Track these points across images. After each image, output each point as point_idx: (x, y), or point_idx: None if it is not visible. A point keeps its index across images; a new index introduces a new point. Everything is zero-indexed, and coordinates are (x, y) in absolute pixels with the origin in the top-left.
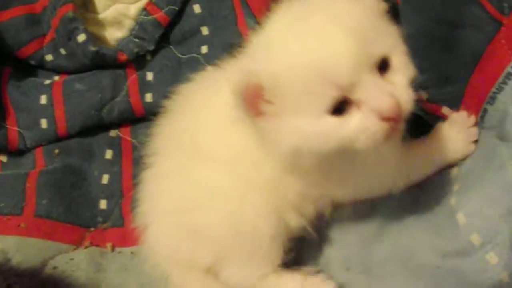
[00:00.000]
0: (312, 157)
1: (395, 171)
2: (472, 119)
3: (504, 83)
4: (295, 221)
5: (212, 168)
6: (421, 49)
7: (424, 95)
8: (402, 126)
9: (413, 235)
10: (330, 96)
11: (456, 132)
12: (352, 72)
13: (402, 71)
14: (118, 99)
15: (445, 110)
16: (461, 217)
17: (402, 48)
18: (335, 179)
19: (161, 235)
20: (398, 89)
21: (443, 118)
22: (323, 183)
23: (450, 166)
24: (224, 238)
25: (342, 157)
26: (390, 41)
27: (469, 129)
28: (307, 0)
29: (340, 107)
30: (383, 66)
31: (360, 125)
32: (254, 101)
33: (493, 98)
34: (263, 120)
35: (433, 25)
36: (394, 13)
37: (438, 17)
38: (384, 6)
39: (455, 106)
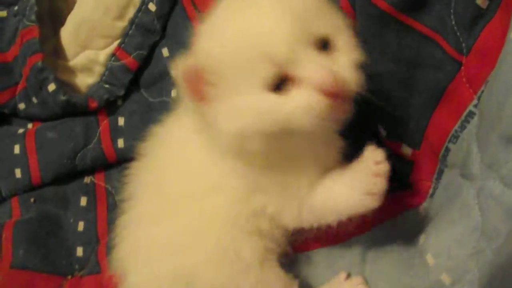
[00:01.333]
0: (257, 138)
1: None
2: (380, 154)
3: (467, 121)
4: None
5: (186, 210)
6: (380, 86)
7: (383, 132)
8: (347, 105)
9: (386, 273)
10: (269, 73)
11: (354, 180)
12: (289, 48)
13: (347, 53)
14: (90, 146)
15: (405, 148)
16: (429, 258)
17: (348, 32)
18: (283, 179)
19: (144, 284)
20: (341, 67)
21: (403, 157)
22: (273, 185)
23: (419, 203)
24: (215, 277)
25: (288, 141)
26: (334, 23)
27: (373, 178)
28: None
29: (280, 84)
30: (325, 46)
31: (301, 102)
32: (196, 84)
33: (456, 137)
34: (207, 104)
35: (392, 64)
36: None
37: (396, 57)
38: None
39: (415, 144)
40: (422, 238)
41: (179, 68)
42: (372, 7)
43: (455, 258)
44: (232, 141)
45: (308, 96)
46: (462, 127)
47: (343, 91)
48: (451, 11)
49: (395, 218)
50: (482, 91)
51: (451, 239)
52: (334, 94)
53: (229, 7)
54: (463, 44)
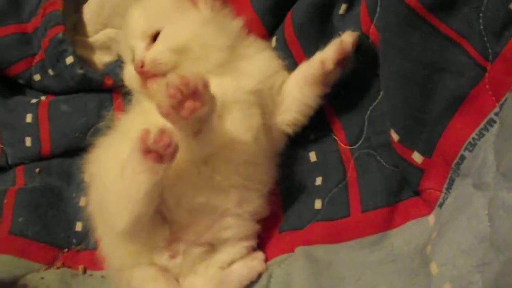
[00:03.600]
0: None
1: None
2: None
3: (486, 129)
4: None
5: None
6: (397, 89)
7: (395, 136)
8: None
9: (388, 280)
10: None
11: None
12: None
13: (163, 41)
14: (103, 123)
15: (415, 156)
16: (433, 267)
17: (176, 24)
18: None
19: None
20: (151, 53)
21: (413, 164)
22: None
23: (428, 212)
24: None
25: None
26: (163, 20)
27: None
28: None
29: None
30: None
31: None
32: None
33: (472, 145)
34: None
35: (413, 66)
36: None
37: (418, 59)
38: None
39: (427, 152)
40: (428, 247)
41: None
42: (399, 3)
43: (460, 268)
44: None
45: (130, 69)
46: (480, 135)
47: (144, 67)
48: (480, 15)
49: (402, 226)
50: (506, 99)
51: (457, 249)
52: (138, 69)
53: None
54: (490, 50)
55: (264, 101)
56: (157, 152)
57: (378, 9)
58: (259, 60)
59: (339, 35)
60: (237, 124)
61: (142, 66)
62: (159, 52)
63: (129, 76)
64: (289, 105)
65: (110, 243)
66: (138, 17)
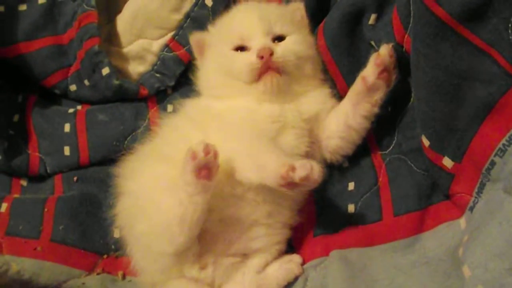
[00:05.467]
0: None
1: None
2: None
3: None
4: None
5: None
6: (428, 97)
7: (426, 142)
8: (278, 75)
9: (421, 283)
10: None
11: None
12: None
13: (291, 45)
14: (139, 130)
15: (446, 161)
16: (466, 270)
17: (299, 37)
18: None
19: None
20: (282, 48)
21: (443, 169)
22: None
23: (458, 216)
24: None
25: None
26: (291, 29)
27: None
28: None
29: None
30: (279, 38)
31: (247, 58)
32: None
33: (503, 151)
34: None
35: (443, 75)
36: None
37: (448, 69)
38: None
39: (457, 157)
40: (460, 250)
41: None
42: (429, 15)
43: (493, 271)
44: None
45: (252, 56)
46: (511, 141)
47: (269, 59)
48: (509, 25)
49: (434, 229)
50: None
51: (489, 253)
52: (262, 57)
53: None
54: None
55: (311, 126)
56: (207, 167)
57: (411, 19)
58: (316, 89)
59: (371, 45)
60: (285, 147)
61: (271, 55)
62: (290, 51)
63: (243, 62)
64: (333, 130)
65: (141, 260)
66: (265, 16)
